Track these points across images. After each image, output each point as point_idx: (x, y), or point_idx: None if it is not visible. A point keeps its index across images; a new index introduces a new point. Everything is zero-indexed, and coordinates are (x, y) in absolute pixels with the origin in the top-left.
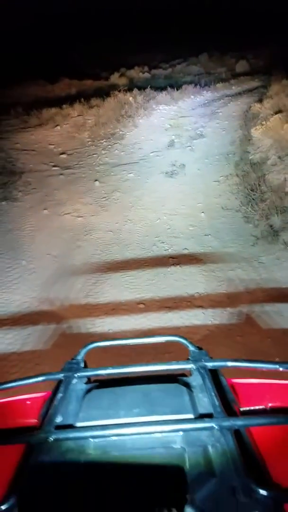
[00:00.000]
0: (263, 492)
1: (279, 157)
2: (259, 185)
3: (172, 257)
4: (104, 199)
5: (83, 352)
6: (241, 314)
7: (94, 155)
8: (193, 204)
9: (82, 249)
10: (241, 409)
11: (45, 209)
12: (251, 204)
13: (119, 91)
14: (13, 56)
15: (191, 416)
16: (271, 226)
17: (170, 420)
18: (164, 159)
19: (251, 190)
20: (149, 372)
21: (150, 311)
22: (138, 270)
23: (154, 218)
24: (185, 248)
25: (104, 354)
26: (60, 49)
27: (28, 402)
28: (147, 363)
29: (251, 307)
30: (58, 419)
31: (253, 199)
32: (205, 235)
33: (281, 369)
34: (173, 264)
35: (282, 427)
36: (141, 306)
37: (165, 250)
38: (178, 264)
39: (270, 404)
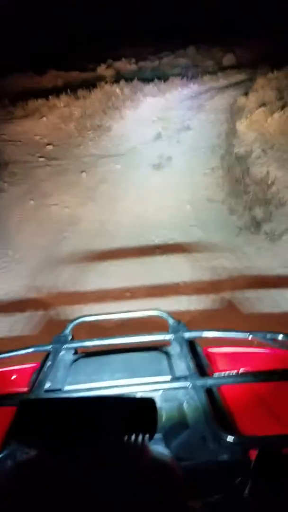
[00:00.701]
0: (230, 438)
1: (263, 150)
2: (243, 178)
3: (158, 247)
4: (91, 190)
5: (70, 326)
6: (223, 300)
7: (81, 147)
8: (179, 196)
9: (69, 240)
10: (214, 373)
11: (31, 200)
12: (236, 196)
13: (106, 82)
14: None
15: (169, 378)
16: (253, 217)
17: (149, 382)
18: (151, 151)
19: (235, 182)
20: (132, 343)
21: (136, 298)
22: (125, 260)
23: (141, 210)
24: (171, 239)
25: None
26: (48, 40)
27: (18, 372)
28: (130, 334)
29: (233, 294)
30: (47, 385)
31: (237, 191)
32: (191, 226)
33: (250, 337)
34: (159, 254)
35: (251, 387)
36: (128, 294)
37: (152, 240)
38: (164, 254)
39: (240, 369)
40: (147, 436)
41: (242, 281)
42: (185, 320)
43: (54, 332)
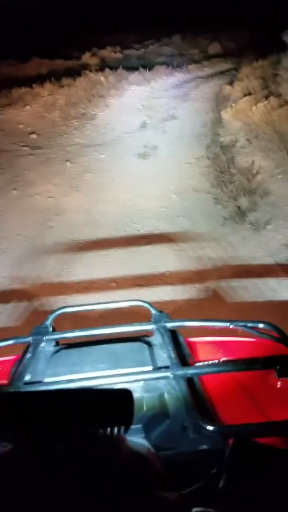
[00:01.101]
0: (209, 428)
1: (248, 140)
2: (228, 167)
3: (144, 237)
4: (75, 179)
5: (51, 317)
6: (209, 289)
7: (65, 135)
8: (165, 185)
9: (53, 230)
10: (196, 363)
11: (14, 190)
12: (221, 186)
13: (91, 70)
14: None
15: (150, 368)
16: (238, 207)
17: (130, 372)
18: (136, 140)
19: (221, 172)
20: (114, 334)
21: (122, 288)
22: (110, 250)
23: (126, 199)
24: (157, 229)
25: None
26: (31, 27)
27: None
28: (112, 325)
29: (218, 283)
30: (27, 377)
31: (222, 181)
32: (177, 216)
33: (231, 326)
34: (145, 244)
35: (232, 376)
36: (113, 284)
37: (137, 230)
38: (150, 244)
39: (222, 359)
40: (123, 427)
41: (227, 270)
42: (170, 310)
43: (37, 323)
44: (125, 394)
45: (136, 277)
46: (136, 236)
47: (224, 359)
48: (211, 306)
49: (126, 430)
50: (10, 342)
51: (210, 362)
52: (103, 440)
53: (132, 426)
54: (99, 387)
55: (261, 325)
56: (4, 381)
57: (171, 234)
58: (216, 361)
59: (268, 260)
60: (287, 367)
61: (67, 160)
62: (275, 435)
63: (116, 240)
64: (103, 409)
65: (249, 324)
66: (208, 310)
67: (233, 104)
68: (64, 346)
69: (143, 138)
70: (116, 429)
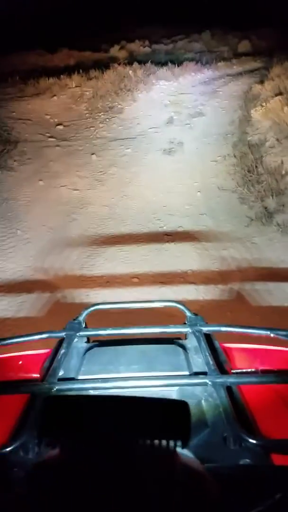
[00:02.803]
0: (252, 440)
1: (278, 140)
2: (256, 166)
3: (167, 234)
4: (100, 173)
5: (85, 313)
6: (232, 291)
7: (92, 128)
8: (189, 182)
9: (77, 222)
10: (233, 370)
11: (40, 180)
12: (247, 186)
13: (119, 64)
14: (12, 22)
15: (186, 373)
16: (265, 208)
17: (167, 376)
18: (162, 135)
19: (248, 171)
20: (148, 334)
21: (144, 285)
22: (133, 245)
23: (151, 195)
24: (180, 226)
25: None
26: (61, 18)
27: (30, 358)
28: (146, 325)
29: (242, 285)
30: (61, 373)
31: (249, 180)
32: (200, 214)
33: (272, 335)
34: (167, 241)
35: (270, 387)
36: (135, 280)
37: (160, 227)
38: (172, 241)
39: (260, 368)
40: (179, 442)
41: (252, 272)
42: (193, 309)
43: (60, 315)
44: (183, 406)
45: (158, 274)
46: (159, 233)
47: (262, 368)
48: (233, 308)
49: (183, 446)
50: (44, 336)
51: (249, 371)
52: (160, 452)
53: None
54: (147, 394)
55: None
56: (36, 375)
57: (194, 232)
58: (255, 370)
59: None
60: None
61: (93, 153)
62: None
63: (139, 236)
64: (161, 419)
65: (278, 331)
66: (230, 312)
67: (264, 103)
68: (97, 343)
69: (169, 134)
70: (172, 443)
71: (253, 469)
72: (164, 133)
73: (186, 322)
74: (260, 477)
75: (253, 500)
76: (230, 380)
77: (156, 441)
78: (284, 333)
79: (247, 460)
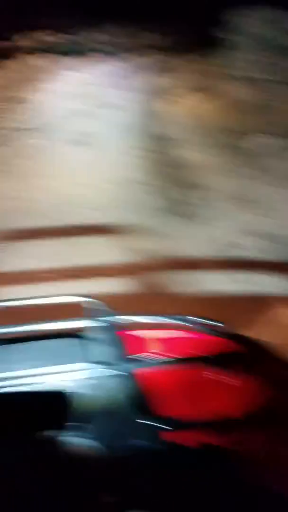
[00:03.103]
0: (147, 421)
1: (181, 132)
2: (161, 158)
3: (78, 227)
4: (4, 165)
5: None
6: (145, 282)
7: None
8: (99, 175)
9: None
10: (136, 357)
11: None
12: (154, 177)
13: (23, 53)
14: None
15: (89, 364)
16: (170, 199)
17: (67, 370)
18: (69, 126)
19: (154, 163)
20: (50, 330)
21: (57, 280)
22: (44, 239)
23: (60, 187)
24: (92, 219)
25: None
26: None
27: None
28: (47, 320)
29: (154, 275)
30: None
31: (156, 172)
32: (111, 206)
33: (169, 321)
34: (79, 235)
35: (173, 371)
36: (46, 275)
37: (71, 220)
38: (84, 235)
39: (160, 352)
40: (59, 428)
41: (162, 262)
42: (108, 302)
43: None
44: (57, 394)
45: (71, 268)
46: (70, 226)
47: (163, 353)
48: (148, 298)
49: (60, 430)
50: None
51: (151, 357)
52: (39, 442)
53: (70, 424)
54: (30, 387)
55: (198, 320)
56: None
57: (105, 225)
58: (155, 356)
59: (199, 253)
60: (218, 357)
61: None
62: (206, 428)
63: (50, 230)
64: (38, 411)
65: (187, 319)
66: (146, 303)
67: (167, 96)
68: None
69: (77, 125)
70: (51, 431)
71: (147, 448)
72: (72, 124)
73: (90, 314)
74: (153, 456)
75: (147, 479)
76: (130, 366)
77: (35, 432)
78: (180, 318)
79: (144, 441)
